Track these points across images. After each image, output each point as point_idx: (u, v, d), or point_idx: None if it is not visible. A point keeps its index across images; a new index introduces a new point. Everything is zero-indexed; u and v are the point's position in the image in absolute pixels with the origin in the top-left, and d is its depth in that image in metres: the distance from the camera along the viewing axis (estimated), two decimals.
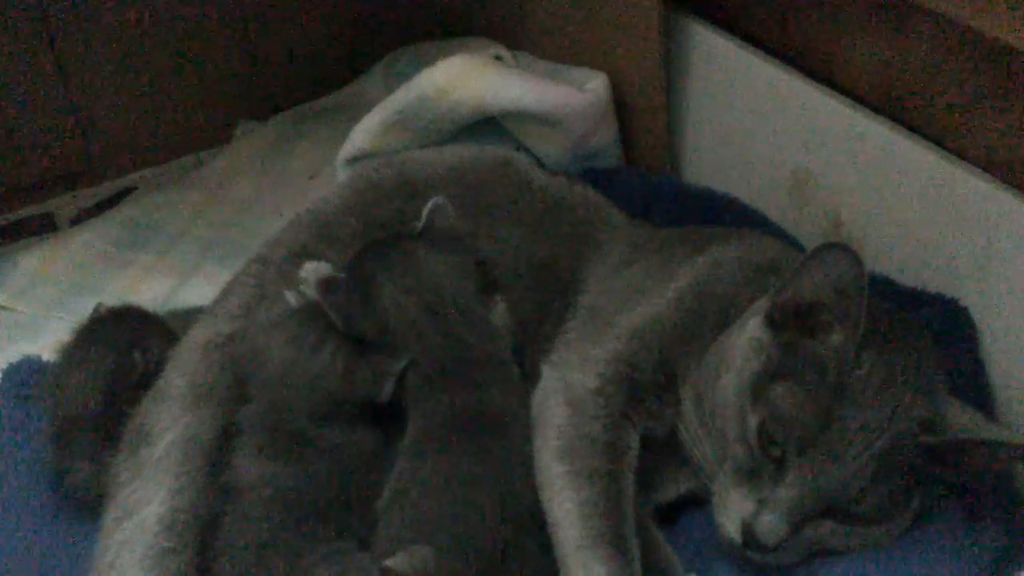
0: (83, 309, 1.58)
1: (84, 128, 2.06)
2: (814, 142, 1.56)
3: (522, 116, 1.72)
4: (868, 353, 1.19)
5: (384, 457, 1.29)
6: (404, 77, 1.78)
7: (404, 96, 1.72)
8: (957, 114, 1.41)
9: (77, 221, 2.04)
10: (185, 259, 1.93)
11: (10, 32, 1.93)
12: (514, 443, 1.29)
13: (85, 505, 1.36)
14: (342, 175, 1.76)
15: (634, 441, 1.31)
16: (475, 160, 1.57)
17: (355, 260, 1.36)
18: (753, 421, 1.21)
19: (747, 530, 1.19)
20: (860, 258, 1.18)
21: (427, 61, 1.75)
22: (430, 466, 1.25)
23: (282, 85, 2.22)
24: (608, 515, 1.22)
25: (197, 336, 1.42)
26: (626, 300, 1.40)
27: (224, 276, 1.56)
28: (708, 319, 1.35)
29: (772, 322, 1.25)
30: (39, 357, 1.58)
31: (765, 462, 1.20)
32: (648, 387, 1.33)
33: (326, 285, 1.32)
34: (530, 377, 1.37)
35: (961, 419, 1.22)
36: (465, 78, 1.70)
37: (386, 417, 1.31)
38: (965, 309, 1.39)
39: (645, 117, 1.76)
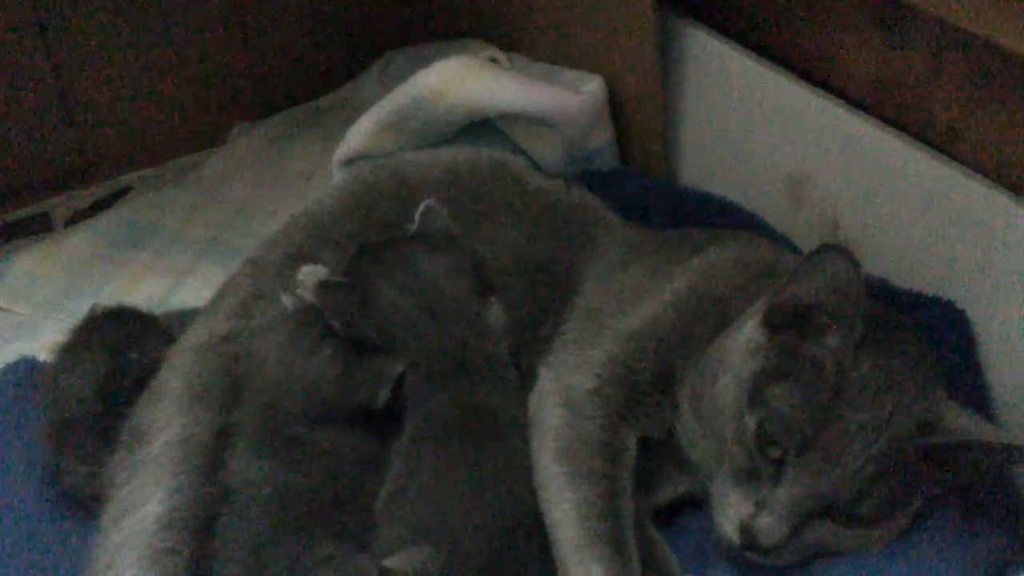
0: (79, 309, 1.58)
1: (80, 129, 2.06)
2: (811, 145, 1.56)
3: (518, 118, 1.72)
4: (866, 355, 1.19)
5: (380, 460, 1.29)
6: (400, 79, 1.78)
7: (400, 98, 1.72)
8: (954, 117, 1.41)
9: (73, 222, 2.04)
10: (181, 259, 1.93)
11: (5, 32, 1.93)
12: (512, 444, 1.29)
13: (82, 505, 1.36)
14: (338, 176, 1.76)
15: (632, 442, 1.31)
16: (470, 162, 1.57)
17: (351, 263, 1.36)
18: (751, 422, 1.21)
19: (746, 531, 1.19)
20: (857, 260, 1.18)
21: (423, 63, 1.75)
22: (428, 467, 1.25)
23: (278, 86, 2.22)
24: (606, 516, 1.22)
25: (193, 336, 1.42)
26: (623, 302, 1.40)
27: (220, 277, 1.57)
28: (705, 321, 1.35)
29: (770, 324, 1.25)
30: (35, 357, 1.58)
31: (763, 463, 1.20)
32: (645, 389, 1.33)
33: (324, 288, 1.32)
34: (527, 379, 1.37)
35: (959, 421, 1.22)
36: (461, 80, 1.70)
37: (381, 420, 1.31)
38: (962, 312, 1.39)
39: (641, 119, 1.76)
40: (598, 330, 1.37)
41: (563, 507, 1.23)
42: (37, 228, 2.03)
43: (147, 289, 1.86)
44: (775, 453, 1.19)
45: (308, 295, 1.33)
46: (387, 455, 1.29)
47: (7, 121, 1.98)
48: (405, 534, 1.21)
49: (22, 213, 2.05)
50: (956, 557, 1.21)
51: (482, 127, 1.76)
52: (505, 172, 1.57)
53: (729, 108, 1.68)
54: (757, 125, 1.63)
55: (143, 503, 1.26)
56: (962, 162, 1.40)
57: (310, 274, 1.34)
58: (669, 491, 1.35)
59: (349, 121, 1.78)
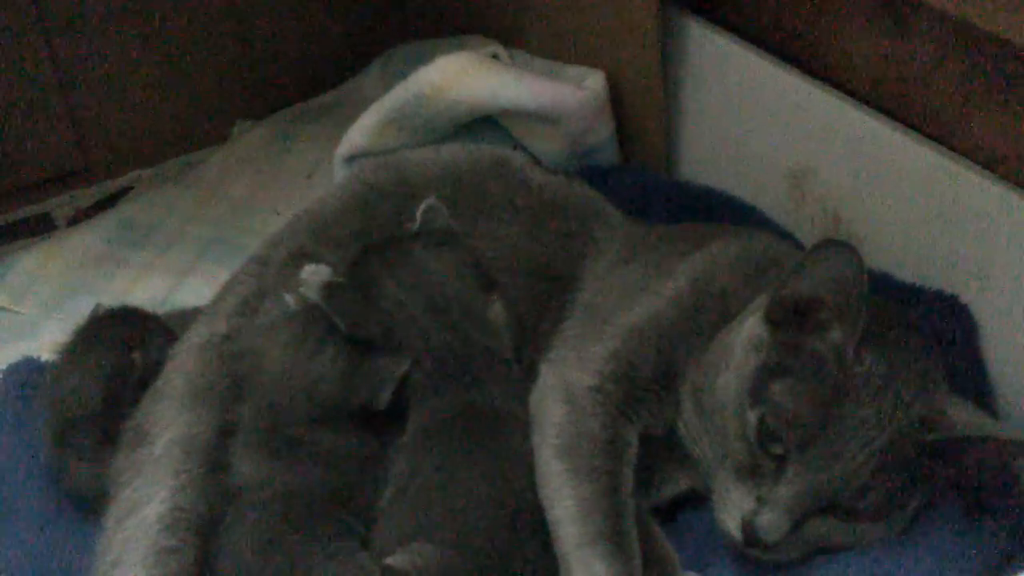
0: (81, 309, 1.58)
1: (81, 128, 2.06)
2: (813, 139, 1.55)
3: (519, 114, 1.72)
4: (868, 350, 1.19)
5: (379, 460, 1.29)
6: (401, 75, 1.78)
7: (401, 94, 1.72)
8: (956, 110, 1.41)
9: (75, 221, 2.04)
10: (183, 258, 1.93)
11: (7, 32, 1.93)
12: (514, 441, 1.29)
13: (85, 504, 1.36)
14: (340, 174, 1.76)
15: (633, 438, 1.31)
16: (472, 159, 1.57)
17: (354, 262, 1.36)
18: (753, 418, 1.21)
19: (747, 527, 1.19)
20: (859, 255, 1.18)
21: (424, 60, 1.75)
22: (430, 464, 1.25)
23: (279, 84, 2.22)
24: (608, 512, 1.22)
25: (195, 336, 1.42)
26: (624, 298, 1.39)
27: (222, 275, 1.57)
28: (707, 316, 1.34)
29: (771, 319, 1.24)
30: (38, 357, 1.59)
31: (765, 459, 1.20)
32: (647, 385, 1.33)
33: (328, 289, 1.31)
34: (528, 375, 1.36)
35: (961, 416, 1.22)
36: (462, 76, 1.70)
37: (382, 421, 1.30)
38: (965, 306, 1.39)
39: (643, 115, 1.76)
40: (599, 326, 1.37)
41: (565, 504, 1.23)
42: (39, 228, 2.04)
43: (149, 288, 1.86)
44: (777, 449, 1.19)
45: (311, 294, 1.32)
46: (387, 455, 1.29)
47: (9, 121, 1.98)
48: (407, 532, 1.21)
49: (24, 213, 2.06)
50: (958, 553, 1.21)
51: (483, 123, 1.77)
52: (506, 168, 1.56)
53: (730, 102, 1.67)
54: (758, 119, 1.63)
55: (146, 502, 1.26)
56: (965, 156, 1.39)
57: (313, 273, 1.34)
58: (671, 487, 1.35)
59: (350, 119, 1.78)
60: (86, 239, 1.96)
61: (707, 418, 1.28)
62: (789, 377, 1.20)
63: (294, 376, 1.29)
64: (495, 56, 1.89)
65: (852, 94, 1.52)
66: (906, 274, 1.45)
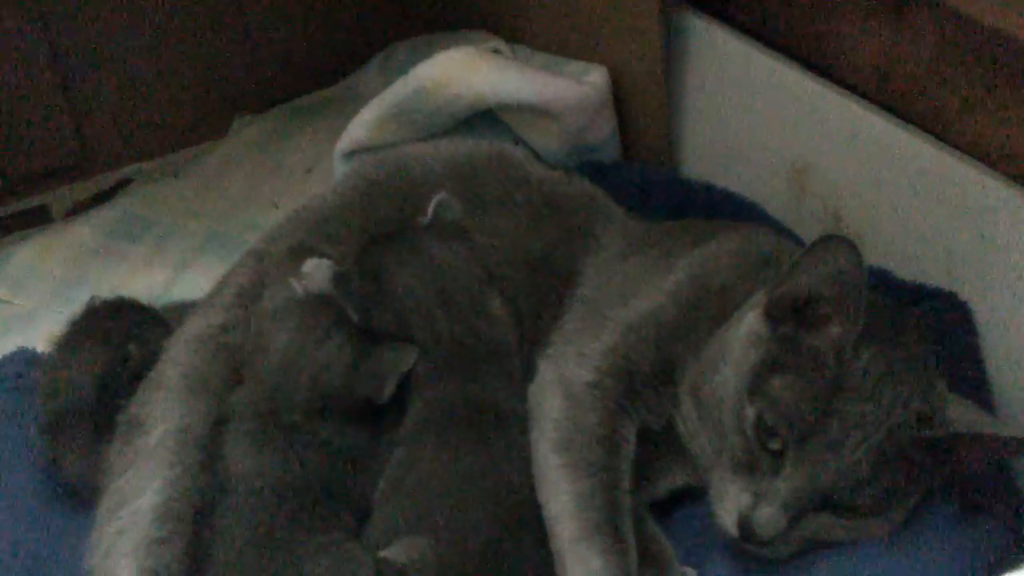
0: (78, 301, 1.58)
1: (80, 121, 2.06)
2: (813, 135, 1.55)
3: (520, 109, 1.72)
4: (866, 346, 1.19)
5: (374, 454, 1.29)
6: (402, 71, 1.78)
7: (402, 89, 1.71)
8: (957, 107, 1.40)
9: (72, 214, 2.04)
10: (180, 252, 1.93)
11: (5, 25, 1.93)
12: (513, 436, 1.29)
13: (79, 496, 1.36)
14: (340, 169, 1.75)
15: (631, 434, 1.31)
16: (472, 154, 1.57)
17: (364, 253, 1.36)
18: (751, 414, 1.20)
19: (744, 523, 1.18)
20: (859, 251, 1.17)
21: (425, 54, 1.75)
22: (428, 456, 1.25)
23: (279, 78, 2.22)
24: (604, 507, 1.22)
25: (192, 327, 1.42)
26: (623, 293, 1.39)
27: (220, 269, 1.56)
28: (706, 312, 1.34)
29: (770, 315, 1.24)
30: (34, 349, 1.59)
31: (763, 455, 1.20)
32: (645, 380, 1.33)
33: (341, 279, 1.31)
34: (527, 370, 1.36)
35: (959, 413, 1.22)
36: (463, 71, 1.70)
37: (381, 414, 1.30)
38: (964, 303, 1.39)
39: (644, 110, 1.76)
40: (598, 321, 1.37)
41: (561, 499, 1.23)
42: (37, 220, 2.03)
43: (146, 281, 1.85)
44: (774, 444, 1.19)
45: (314, 289, 1.32)
46: (381, 449, 1.28)
47: (7, 113, 1.97)
48: (403, 525, 1.21)
49: (21, 205, 2.05)
50: (955, 549, 1.20)
51: (484, 118, 1.76)
52: (506, 163, 1.56)
53: (732, 98, 1.67)
54: (760, 115, 1.63)
55: (139, 494, 1.25)
56: (966, 152, 1.39)
57: (316, 267, 1.34)
58: (668, 483, 1.35)
59: (350, 114, 1.77)
60: (84, 232, 1.95)
61: (705, 413, 1.28)
62: (787, 373, 1.20)
63: (299, 362, 1.29)
64: (496, 51, 1.89)
65: (853, 90, 1.52)
66: (906, 271, 1.45)
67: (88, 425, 1.38)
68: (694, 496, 1.33)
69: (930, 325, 1.32)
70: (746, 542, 1.19)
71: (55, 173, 2.07)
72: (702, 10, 1.71)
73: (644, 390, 1.32)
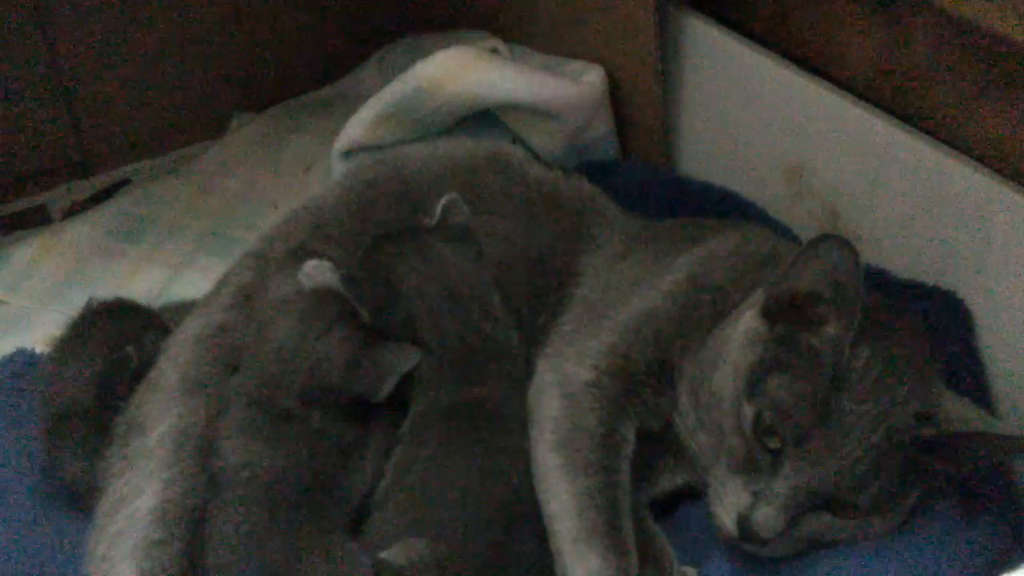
0: (77, 302, 1.57)
1: (78, 120, 2.05)
2: (811, 135, 1.55)
3: (518, 108, 1.72)
4: (864, 345, 1.19)
5: (364, 451, 1.28)
6: (399, 70, 1.77)
7: (399, 88, 1.71)
8: (954, 106, 1.40)
9: (71, 214, 2.03)
10: (179, 252, 1.92)
11: (3, 24, 1.92)
12: (513, 436, 1.29)
13: (78, 497, 1.36)
14: (338, 168, 1.75)
15: (630, 433, 1.30)
16: (470, 153, 1.57)
17: (370, 253, 1.36)
18: (749, 413, 1.21)
19: (743, 523, 1.18)
20: (856, 250, 1.18)
21: (422, 54, 1.74)
22: (428, 456, 1.25)
23: (277, 78, 2.21)
24: (604, 507, 1.22)
25: (190, 327, 1.41)
26: (622, 292, 1.39)
27: (218, 269, 1.56)
28: (704, 311, 1.34)
29: (768, 314, 1.24)
30: (32, 349, 1.59)
31: (761, 454, 1.20)
32: (644, 379, 1.33)
33: (350, 280, 1.31)
34: (526, 370, 1.36)
35: (958, 412, 1.23)
36: (460, 70, 1.70)
37: (376, 412, 1.30)
38: (962, 302, 1.39)
39: (641, 110, 1.76)
40: (596, 321, 1.37)
41: (561, 498, 1.23)
42: (35, 220, 2.03)
43: (145, 281, 1.85)
44: (773, 444, 1.19)
45: (327, 283, 1.33)
46: (376, 447, 1.28)
47: (5, 113, 1.97)
48: (402, 525, 1.21)
49: (20, 205, 2.04)
50: (954, 549, 1.21)
51: (482, 118, 1.76)
52: (504, 163, 1.56)
53: (729, 98, 1.67)
54: (757, 115, 1.63)
55: (137, 495, 1.25)
56: (963, 151, 1.39)
57: (315, 269, 1.34)
58: (667, 482, 1.35)
59: (348, 113, 1.77)
60: (82, 231, 1.95)
61: (704, 413, 1.28)
62: (786, 372, 1.20)
63: (299, 352, 1.28)
64: (494, 51, 1.89)
65: (850, 90, 1.52)
66: (903, 270, 1.45)
67: (86, 427, 1.38)
68: (693, 496, 1.33)
69: (928, 324, 1.32)
70: (745, 542, 1.20)
71: (53, 172, 2.06)
72: (699, 10, 1.71)
73: (643, 389, 1.32)
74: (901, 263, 1.45)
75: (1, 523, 1.36)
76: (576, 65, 1.79)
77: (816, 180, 1.56)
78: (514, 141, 1.75)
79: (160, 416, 1.31)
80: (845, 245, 1.18)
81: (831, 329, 1.20)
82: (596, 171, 1.68)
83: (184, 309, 1.52)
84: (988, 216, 1.34)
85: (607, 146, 1.79)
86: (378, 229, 1.44)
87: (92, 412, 1.39)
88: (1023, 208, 1.31)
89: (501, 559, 1.20)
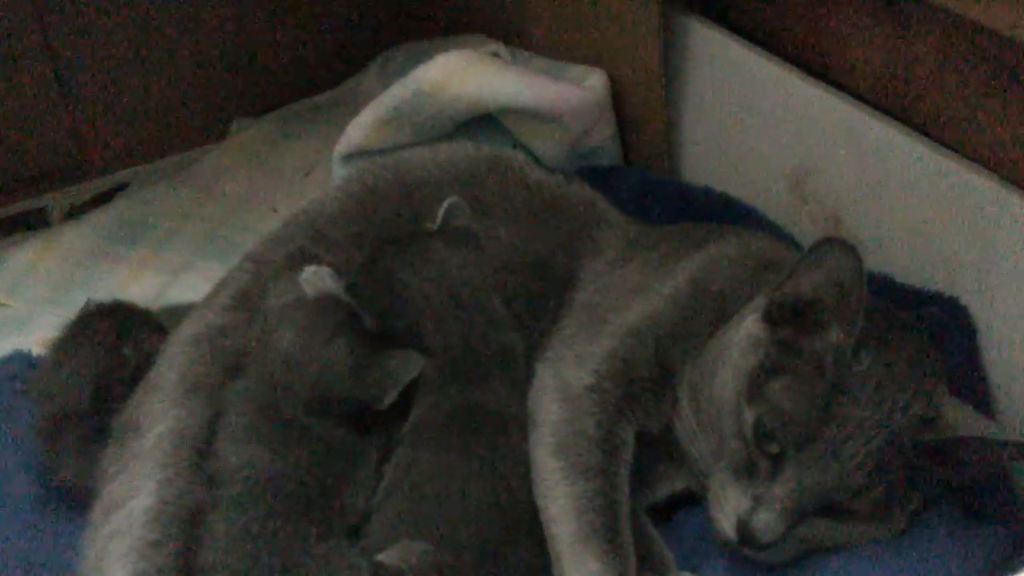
0: (75, 304, 1.58)
1: (78, 124, 2.06)
2: (814, 140, 1.55)
3: (519, 113, 1.71)
4: (866, 350, 1.19)
5: (367, 457, 1.28)
6: (400, 74, 1.77)
7: (400, 92, 1.71)
8: (959, 111, 1.40)
9: (70, 217, 2.04)
10: (178, 255, 1.93)
11: (3, 28, 1.92)
12: (514, 440, 1.29)
13: (74, 499, 1.35)
14: (338, 172, 1.75)
15: (629, 438, 1.30)
16: (470, 158, 1.56)
17: (373, 258, 1.35)
18: (750, 417, 1.20)
19: (743, 527, 1.18)
20: (859, 254, 1.17)
21: (424, 58, 1.74)
22: (427, 459, 1.24)
23: (277, 82, 2.22)
24: (602, 511, 1.22)
25: (188, 329, 1.41)
26: (622, 297, 1.39)
27: (217, 272, 1.56)
28: (705, 316, 1.34)
29: (770, 318, 1.24)
30: (30, 352, 1.59)
31: (761, 459, 1.19)
32: (644, 384, 1.32)
33: (354, 287, 1.31)
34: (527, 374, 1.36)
35: (959, 417, 1.21)
36: (462, 74, 1.69)
37: (379, 419, 1.30)
38: (964, 308, 1.38)
39: (644, 114, 1.75)
40: (597, 325, 1.37)
41: (560, 502, 1.22)
42: (34, 222, 2.03)
43: (144, 284, 1.85)
44: (773, 448, 1.18)
45: (312, 295, 1.32)
46: (373, 453, 1.28)
47: (5, 115, 1.97)
48: (400, 528, 1.21)
49: (19, 207, 2.05)
50: (956, 554, 1.20)
51: (483, 122, 1.75)
52: (505, 167, 1.56)
53: (731, 102, 1.67)
54: (759, 119, 1.63)
55: (133, 496, 1.24)
56: (967, 156, 1.39)
57: (314, 274, 1.33)
58: (666, 487, 1.35)
59: (348, 117, 1.77)
60: (81, 235, 1.95)
61: (704, 417, 1.28)
62: (787, 376, 1.20)
63: (303, 361, 1.28)
64: (496, 55, 1.89)
65: (853, 94, 1.52)
66: (906, 275, 1.44)
67: (83, 428, 1.38)
68: (692, 501, 1.33)
69: (930, 330, 1.31)
70: (744, 547, 1.19)
71: (52, 176, 2.07)
72: (702, 14, 1.70)
73: (643, 394, 1.32)
74: (904, 269, 1.44)
75: None
76: (578, 69, 1.79)
77: (819, 185, 1.55)
78: (515, 146, 1.75)
79: (157, 417, 1.31)
80: (849, 249, 1.18)
81: (833, 334, 1.20)
82: (597, 176, 1.69)
83: (182, 311, 1.52)
84: (992, 222, 1.34)
85: (609, 151, 1.78)
86: (378, 234, 1.44)
87: (89, 413, 1.39)
88: None
89: (499, 562, 1.20)
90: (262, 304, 1.37)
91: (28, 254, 1.91)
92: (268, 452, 1.24)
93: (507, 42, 1.96)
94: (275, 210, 1.97)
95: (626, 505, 1.24)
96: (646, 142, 1.78)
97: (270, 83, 2.21)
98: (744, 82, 1.64)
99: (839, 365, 1.18)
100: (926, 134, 1.43)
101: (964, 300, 1.39)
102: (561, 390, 1.31)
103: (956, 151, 1.40)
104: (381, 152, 1.70)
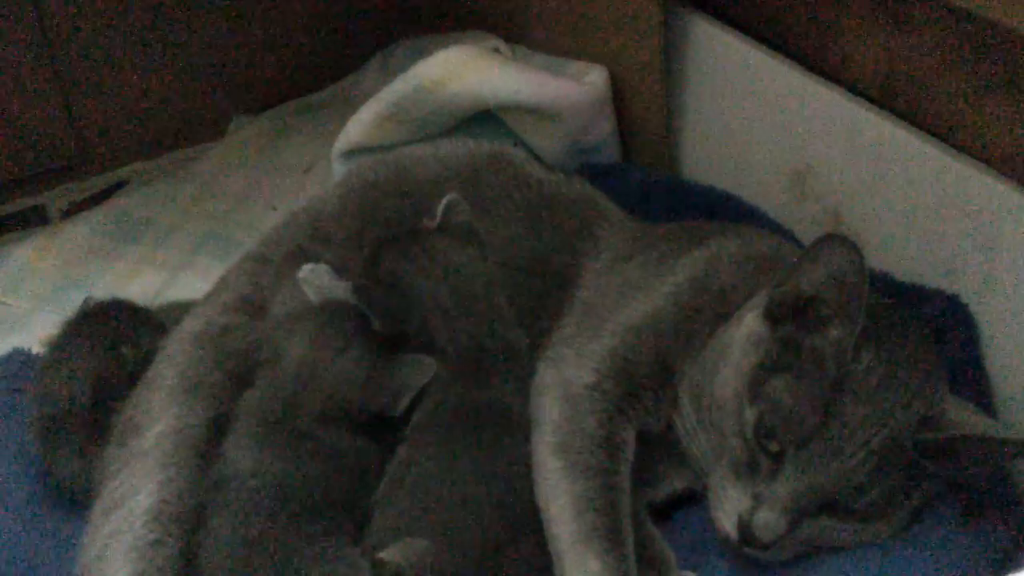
0: (74, 302, 1.58)
1: (77, 121, 2.05)
2: (814, 137, 1.54)
3: (519, 109, 1.71)
4: (867, 348, 1.18)
5: (372, 465, 1.27)
6: (401, 71, 1.76)
7: (400, 88, 1.71)
8: (960, 106, 1.40)
9: (69, 214, 2.04)
10: (177, 253, 1.92)
11: (2, 25, 1.92)
12: (517, 439, 1.28)
13: (74, 498, 1.36)
14: (338, 169, 1.75)
15: (630, 436, 1.30)
16: (471, 155, 1.56)
17: (375, 257, 1.35)
18: (751, 415, 1.20)
19: (743, 526, 1.18)
20: (861, 251, 1.17)
21: (424, 55, 1.74)
22: (429, 456, 1.24)
23: (277, 79, 2.22)
24: (603, 510, 1.21)
25: (189, 328, 1.41)
26: (623, 295, 1.39)
27: (217, 270, 1.56)
28: (705, 314, 1.34)
29: (771, 316, 1.24)
30: (29, 350, 1.59)
31: (762, 457, 1.19)
32: (644, 382, 1.32)
33: (360, 290, 1.30)
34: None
35: (960, 416, 1.21)
36: (462, 70, 1.69)
37: (392, 426, 1.29)
38: (965, 305, 1.38)
39: (644, 111, 1.75)
40: (597, 324, 1.36)
41: (560, 501, 1.22)
42: (33, 220, 2.03)
43: (143, 282, 1.85)
44: (774, 446, 1.18)
45: (311, 294, 1.31)
46: (386, 458, 1.27)
47: (4, 113, 1.97)
48: (401, 525, 1.20)
49: (18, 205, 2.05)
50: (956, 553, 1.19)
51: (483, 118, 1.75)
52: (505, 164, 1.55)
53: (732, 100, 1.67)
54: (760, 117, 1.62)
55: (133, 495, 1.24)
56: (968, 154, 1.39)
57: (311, 272, 1.33)
58: (667, 486, 1.34)
59: (349, 114, 1.77)
60: (81, 232, 1.95)
61: (704, 415, 1.27)
62: (788, 374, 1.19)
63: (317, 373, 1.27)
64: (496, 51, 1.88)
65: (854, 91, 1.51)
66: (907, 273, 1.44)
67: (83, 427, 1.38)
68: (693, 500, 1.33)
69: (931, 327, 1.31)
70: (745, 545, 1.19)
71: (52, 173, 2.07)
72: (703, 10, 1.70)
73: (643, 392, 1.31)
74: (905, 266, 1.44)
75: None
76: (578, 65, 1.79)
77: (820, 182, 1.55)
78: (515, 143, 1.75)
79: (157, 416, 1.30)
80: (850, 246, 1.17)
81: (834, 331, 1.19)
82: (598, 173, 1.68)
83: (181, 309, 1.52)
84: (993, 219, 1.34)
85: (609, 148, 1.78)
86: (379, 231, 1.44)
87: (88, 413, 1.39)
88: None
89: (500, 561, 1.19)
90: (266, 310, 1.37)
91: (27, 252, 1.91)
92: (278, 461, 1.23)
93: (507, 38, 1.96)
94: (275, 207, 1.97)
95: (627, 504, 1.24)
96: (646, 139, 1.77)
97: (269, 80, 2.21)
98: (745, 79, 1.64)
99: (840, 362, 1.18)
100: (927, 130, 1.43)
101: (965, 298, 1.39)
102: (562, 389, 1.30)
103: (957, 148, 1.40)
104: (381, 149, 1.70)
